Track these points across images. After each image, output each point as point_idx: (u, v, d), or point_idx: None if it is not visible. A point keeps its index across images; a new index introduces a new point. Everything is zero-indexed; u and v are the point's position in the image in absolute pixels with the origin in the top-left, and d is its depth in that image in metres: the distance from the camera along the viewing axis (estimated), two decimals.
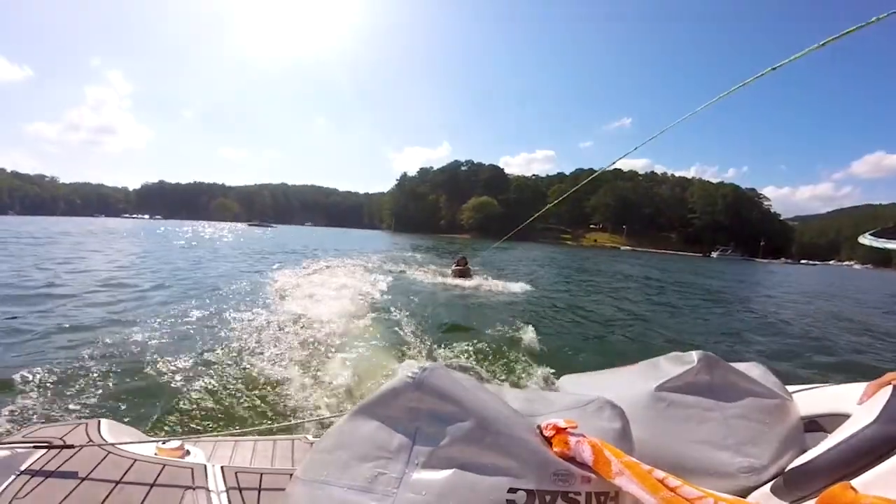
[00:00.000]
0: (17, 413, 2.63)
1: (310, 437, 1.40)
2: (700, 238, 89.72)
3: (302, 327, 4.81)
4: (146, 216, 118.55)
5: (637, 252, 67.49)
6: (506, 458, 0.66)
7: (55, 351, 3.83)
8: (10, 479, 0.92)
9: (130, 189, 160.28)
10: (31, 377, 3.11)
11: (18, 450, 1.00)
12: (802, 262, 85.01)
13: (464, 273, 11.77)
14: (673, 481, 0.63)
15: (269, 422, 2.70)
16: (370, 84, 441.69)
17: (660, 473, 0.64)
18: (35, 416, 2.61)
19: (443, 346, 4.43)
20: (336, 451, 0.74)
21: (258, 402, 2.93)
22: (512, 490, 0.63)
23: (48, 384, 3.04)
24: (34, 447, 1.01)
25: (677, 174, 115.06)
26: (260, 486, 1.03)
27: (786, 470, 0.95)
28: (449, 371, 0.75)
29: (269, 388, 3.14)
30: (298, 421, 2.55)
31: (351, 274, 10.16)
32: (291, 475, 1.00)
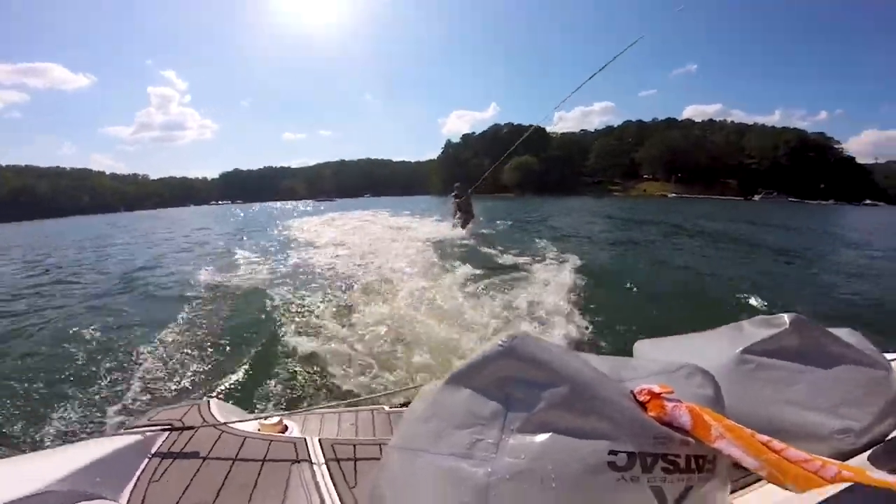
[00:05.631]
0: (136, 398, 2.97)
1: (386, 408, 1.53)
2: (758, 184, 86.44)
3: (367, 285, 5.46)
4: (228, 202, 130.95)
5: (683, 198, 68.11)
6: (603, 422, 0.65)
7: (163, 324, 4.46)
8: (143, 463, 1.04)
9: (209, 178, 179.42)
10: (143, 357, 3.62)
11: (148, 433, 1.12)
12: (868, 202, 78.93)
13: (466, 216, 10.34)
14: (777, 444, 0.63)
15: (354, 394, 2.83)
16: (410, 53, 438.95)
17: (762, 437, 0.64)
18: (148, 399, 2.93)
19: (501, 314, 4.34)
20: (431, 420, 0.75)
21: (333, 374, 3.13)
22: (612, 452, 0.63)
23: (159, 364, 3.48)
24: (161, 430, 1.14)
25: (756, 119, 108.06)
26: (355, 456, 1.12)
27: (887, 438, 0.92)
28: (537, 338, 0.75)
29: (337, 359, 3.32)
30: (389, 392, 2.65)
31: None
32: (380, 445, 1.14)
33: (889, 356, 1.13)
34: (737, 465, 0.66)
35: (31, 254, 14.80)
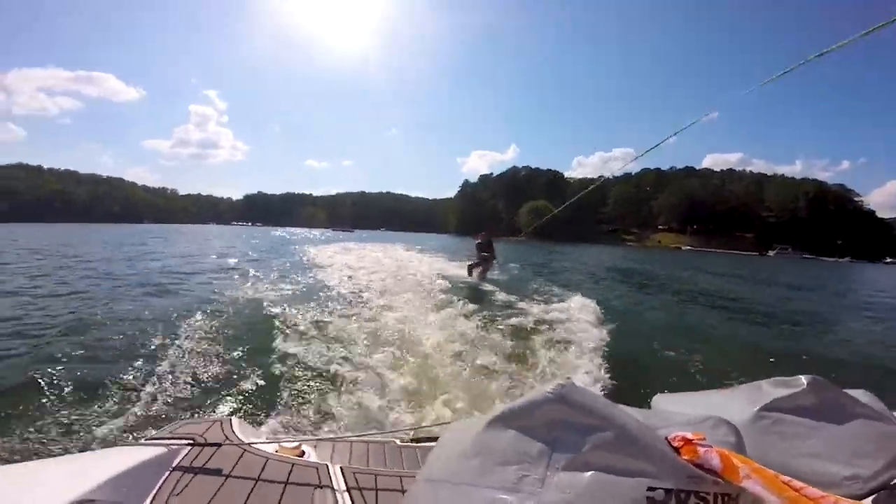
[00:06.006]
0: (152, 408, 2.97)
1: (398, 442, 1.55)
2: (775, 238, 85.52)
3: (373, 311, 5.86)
4: (249, 223, 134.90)
5: (697, 251, 67.67)
6: (643, 463, 0.71)
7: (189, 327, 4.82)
8: (165, 476, 1.03)
9: (233, 199, 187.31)
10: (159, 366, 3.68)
11: (171, 446, 1.13)
12: (888, 261, 76.29)
13: (484, 261, 10.28)
14: (797, 483, 0.69)
15: (370, 424, 2.90)
16: (437, 92, 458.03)
17: (784, 477, 0.70)
18: (166, 412, 2.94)
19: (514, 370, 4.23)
20: (477, 456, 0.78)
21: (347, 403, 3.18)
22: (651, 489, 0.69)
23: (178, 372, 3.55)
24: (184, 444, 1.14)
25: (778, 169, 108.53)
26: (376, 486, 1.13)
27: (892, 483, 0.96)
28: (583, 388, 0.82)
29: (353, 388, 3.41)
30: (414, 427, 2.68)
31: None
32: (400, 477, 1.17)
33: None
34: None
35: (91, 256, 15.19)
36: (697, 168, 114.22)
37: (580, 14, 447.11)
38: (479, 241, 10.77)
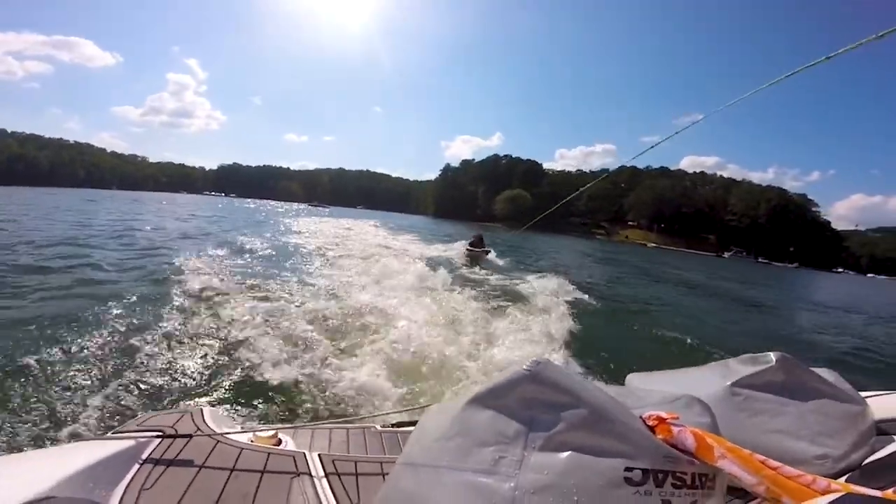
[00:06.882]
0: (121, 400, 2.77)
1: (378, 427, 1.53)
2: (735, 241, 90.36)
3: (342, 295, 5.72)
4: (222, 194, 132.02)
5: (660, 248, 70.91)
6: (619, 443, 0.70)
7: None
8: (134, 469, 0.98)
9: (207, 168, 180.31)
10: (128, 360, 3.35)
11: (139, 438, 1.07)
12: (839, 270, 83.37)
13: (477, 257, 11.91)
14: (773, 462, 0.69)
15: (349, 410, 2.81)
16: (425, 73, 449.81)
17: (759, 456, 0.70)
18: (138, 403, 2.76)
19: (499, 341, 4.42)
20: (453, 438, 0.78)
21: (324, 389, 3.09)
22: (628, 469, 0.68)
23: (145, 368, 3.25)
24: (153, 436, 1.09)
25: (751, 175, 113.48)
26: (356, 472, 1.12)
27: (862, 464, 0.99)
28: (558, 365, 0.80)
29: (330, 375, 3.31)
30: (392, 412, 2.60)
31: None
32: (381, 462, 1.15)
33: (863, 394, 1.25)
34: (732, 489, 0.73)
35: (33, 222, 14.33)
36: (672, 169, 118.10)
37: (572, 10, 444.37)
38: (472, 240, 12.82)
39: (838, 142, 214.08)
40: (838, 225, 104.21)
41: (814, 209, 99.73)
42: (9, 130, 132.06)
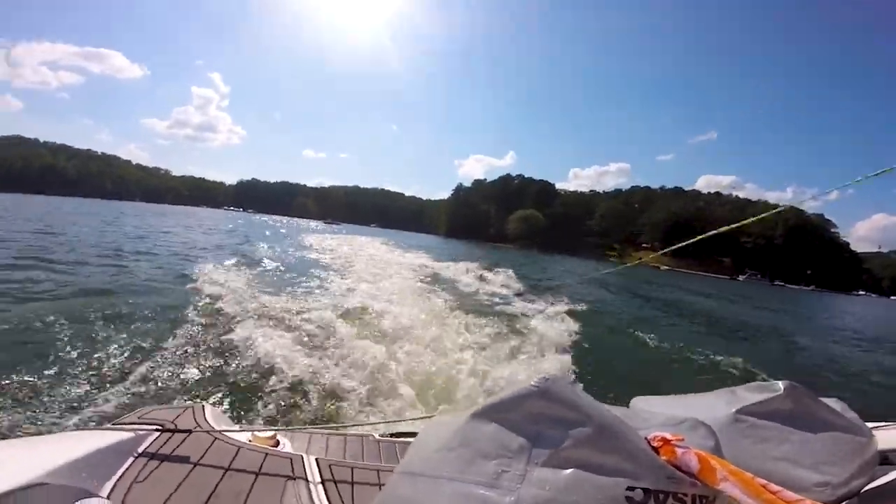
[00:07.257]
0: (121, 393, 2.78)
1: (376, 436, 1.51)
2: (750, 263, 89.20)
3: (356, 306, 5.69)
4: (241, 209, 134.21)
5: (674, 271, 70.22)
6: (623, 462, 0.70)
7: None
8: (129, 461, 0.98)
9: (227, 184, 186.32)
10: (131, 355, 3.41)
11: (138, 431, 1.07)
12: (861, 293, 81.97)
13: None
14: (773, 487, 0.69)
15: (348, 417, 2.79)
16: (442, 93, 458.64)
17: (761, 480, 0.70)
18: (141, 398, 2.78)
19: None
20: (457, 449, 0.77)
21: (325, 394, 3.13)
22: (630, 488, 0.68)
23: (151, 361, 3.32)
24: (152, 429, 1.09)
25: (769, 195, 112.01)
26: (352, 479, 1.12)
27: (861, 492, 0.98)
28: (567, 383, 0.80)
29: (332, 380, 3.35)
30: (390, 421, 2.60)
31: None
32: (378, 471, 1.14)
33: (870, 424, 1.24)
34: None
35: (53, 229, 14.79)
36: (686, 189, 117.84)
37: (588, 32, 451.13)
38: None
39: (862, 160, 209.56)
40: (859, 246, 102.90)
41: (832, 230, 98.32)
42: (41, 140, 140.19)
